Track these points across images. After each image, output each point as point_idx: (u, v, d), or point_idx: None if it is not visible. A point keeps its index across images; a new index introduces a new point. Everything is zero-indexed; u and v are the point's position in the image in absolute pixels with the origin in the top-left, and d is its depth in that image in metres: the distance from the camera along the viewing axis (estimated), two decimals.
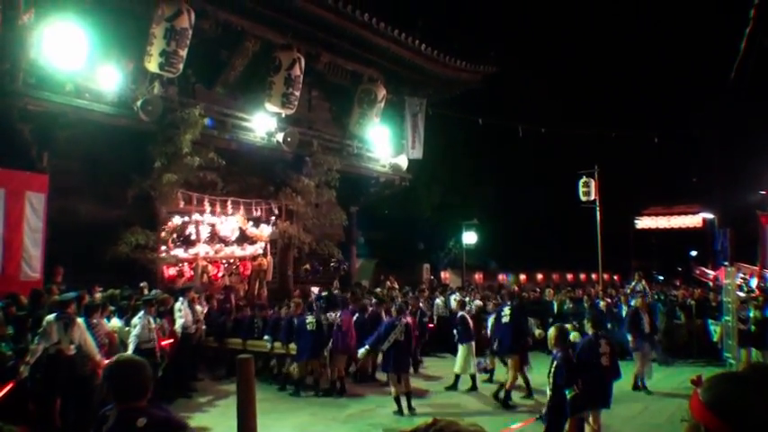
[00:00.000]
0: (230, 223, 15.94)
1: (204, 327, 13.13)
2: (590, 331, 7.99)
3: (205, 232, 15.26)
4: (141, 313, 10.13)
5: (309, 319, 11.69)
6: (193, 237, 15.04)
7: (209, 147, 16.16)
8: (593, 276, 33.22)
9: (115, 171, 14.87)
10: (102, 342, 9.31)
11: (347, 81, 21.23)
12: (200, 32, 15.70)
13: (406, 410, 10.01)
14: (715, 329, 15.95)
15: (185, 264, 15.35)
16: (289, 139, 18.18)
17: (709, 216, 42.87)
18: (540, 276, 40.37)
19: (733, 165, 38.37)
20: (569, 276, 41.96)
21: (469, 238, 30.91)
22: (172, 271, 15.45)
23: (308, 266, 20.43)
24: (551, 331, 7.09)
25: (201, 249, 15.14)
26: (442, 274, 32.20)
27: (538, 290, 21.86)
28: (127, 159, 14.88)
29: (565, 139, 29.64)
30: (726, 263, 13.06)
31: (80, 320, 8.82)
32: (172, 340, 11.26)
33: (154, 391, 4.31)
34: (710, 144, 38.91)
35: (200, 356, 13.18)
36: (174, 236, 15.10)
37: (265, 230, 16.69)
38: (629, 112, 40.76)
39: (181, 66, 15.09)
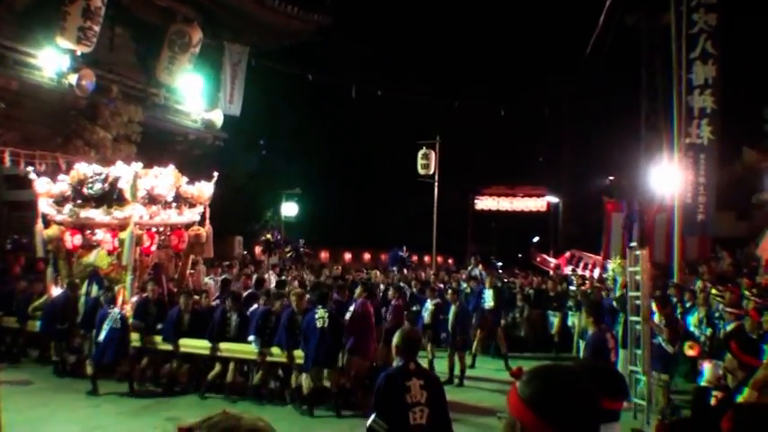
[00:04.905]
0: (166, 178, 13.84)
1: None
2: (591, 328, 8.39)
3: (142, 188, 13.12)
4: None
5: (320, 312, 10.58)
6: (127, 194, 12.89)
7: None
8: (426, 258, 35.16)
9: None
10: None
11: (158, 19, 21.69)
12: None
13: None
14: (553, 321, 17.73)
15: (103, 230, 13.32)
16: (83, 83, 18.46)
17: (554, 200, 46.80)
18: (367, 256, 42.18)
19: (582, 147, 41.91)
20: None
21: (290, 209, 31.83)
22: (77, 240, 13.56)
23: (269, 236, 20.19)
24: None
25: (136, 211, 12.91)
26: (257, 250, 32.98)
27: (365, 270, 23.19)
28: None
29: (404, 104, 31.37)
30: (633, 244, 14.77)
31: None
32: None
33: None
34: (560, 123, 42.19)
35: None
36: (88, 190, 13.27)
37: (205, 189, 14.74)
38: (476, 81, 43.29)
39: None
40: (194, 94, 22.96)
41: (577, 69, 33.33)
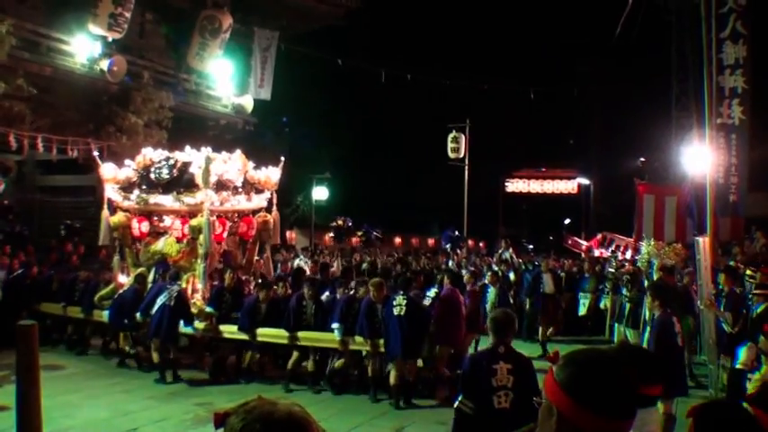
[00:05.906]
0: (235, 163, 13.55)
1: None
2: (657, 311, 8.28)
3: (214, 173, 12.75)
4: None
5: (398, 299, 10.35)
6: (198, 180, 12.62)
7: (18, 72, 16.32)
8: None
9: None
10: None
11: (188, 4, 21.76)
12: None
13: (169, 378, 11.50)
14: (584, 303, 17.52)
15: (172, 217, 13.30)
16: (115, 69, 18.55)
17: (585, 182, 46.44)
18: (398, 240, 42.18)
19: (613, 128, 41.52)
20: (430, 241, 44.06)
21: (320, 193, 31.93)
22: (145, 227, 13.43)
23: (340, 222, 19.82)
24: None
25: (208, 197, 12.61)
26: (288, 234, 33.19)
27: (395, 255, 23.19)
28: None
29: (433, 88, 31.26)
30: (695, 233, 14.87)
31: None
32: None
33: None
34: (590, 104, 41.84)
35: None
36: (155, 176, 13.07)
37: (273, 175, 14.58)
38: (505, 63, 43.11)
39: None
40: (225, 79, 23.01)
41: (607, 50, 33.01)
